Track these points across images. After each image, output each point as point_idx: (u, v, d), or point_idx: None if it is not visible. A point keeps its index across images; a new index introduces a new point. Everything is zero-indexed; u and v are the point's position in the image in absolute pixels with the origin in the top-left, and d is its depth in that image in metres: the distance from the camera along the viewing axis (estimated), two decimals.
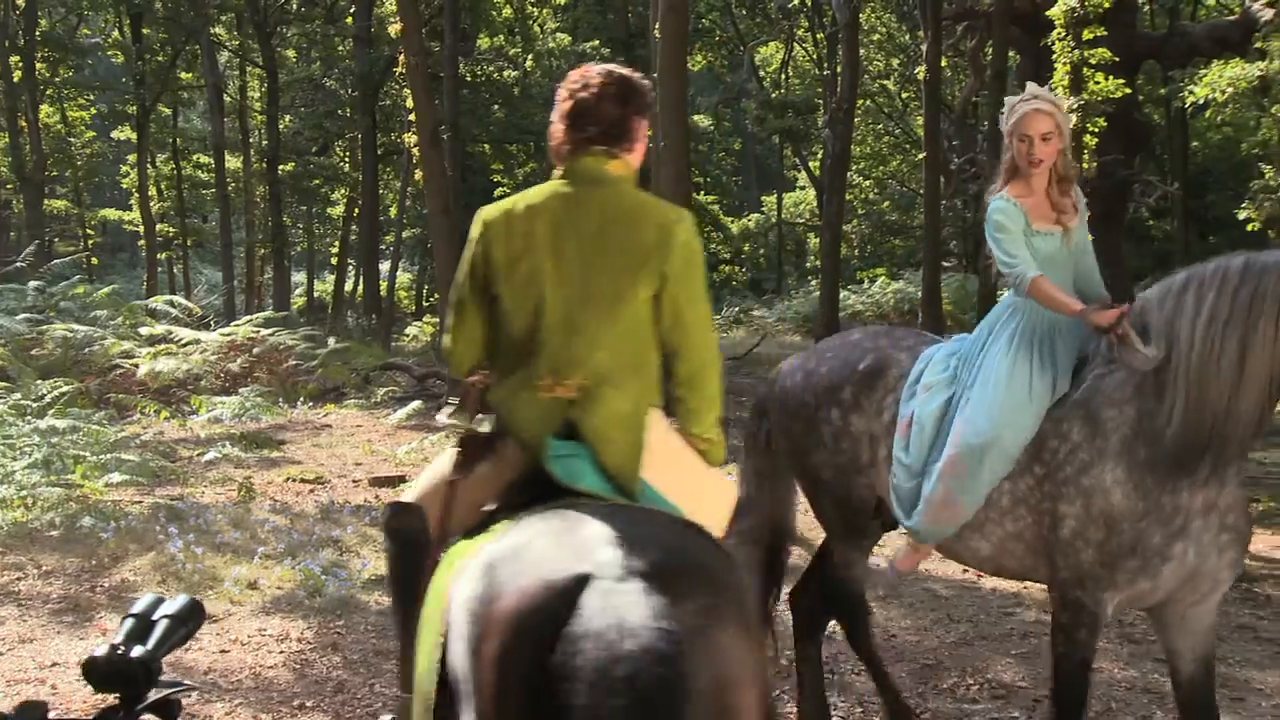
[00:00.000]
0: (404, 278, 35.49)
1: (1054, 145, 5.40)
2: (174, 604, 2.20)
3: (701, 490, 3.96)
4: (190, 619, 2.22)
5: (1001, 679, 7.52)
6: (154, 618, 2.18)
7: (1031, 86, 5.60)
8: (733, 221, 45.12)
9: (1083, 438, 5.10)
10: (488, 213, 4.01)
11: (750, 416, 6.89)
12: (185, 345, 17.35)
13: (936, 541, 5.77)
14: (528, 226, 3.90)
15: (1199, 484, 4.85)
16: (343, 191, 36.82)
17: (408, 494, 4.10)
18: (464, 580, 3.30)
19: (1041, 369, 5.25)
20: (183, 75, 34.57)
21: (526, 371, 3.88)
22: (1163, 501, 4.91)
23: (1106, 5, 19.52)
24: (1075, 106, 19.71)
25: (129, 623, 2.16)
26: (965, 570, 9.70)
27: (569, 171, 3.95)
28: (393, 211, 34.75)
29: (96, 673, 2.10)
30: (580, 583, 3.05)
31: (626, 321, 3.81)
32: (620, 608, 2.97)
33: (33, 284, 21.45)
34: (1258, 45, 20.62)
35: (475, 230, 4.04)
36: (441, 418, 4.23)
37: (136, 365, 16.73)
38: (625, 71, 4.09)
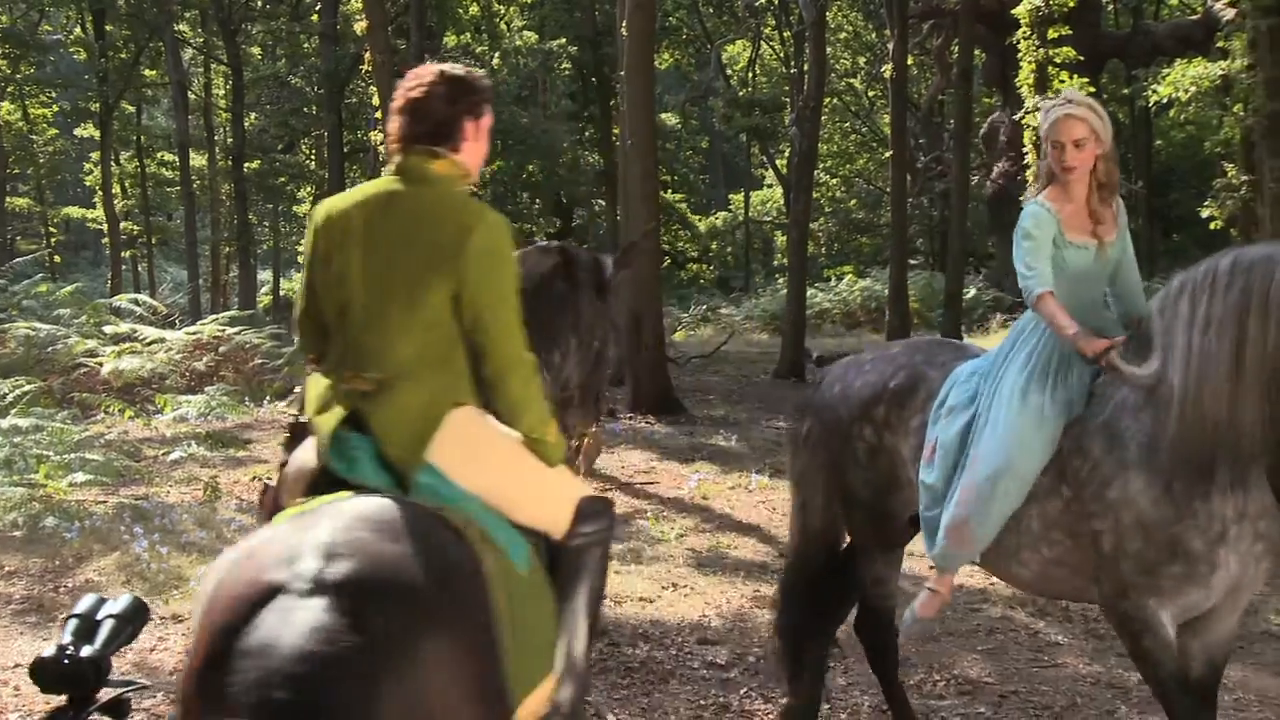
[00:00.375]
0: None
1: (1089, 151, 5.16)
2: (118, 604, 2.19)
3: (530, 487, 3.91)
4: (135, 618, 2.22)
5: (968, 675, 7.54)
6: (98, 617, 2.16)
7: (1067, 90, 5.45)
8: (700, 220, 45.21)
9: (1103, 452, 4.92)
10: (321, 206, 4.04)
11: (794, 416, 6.71)
12: (150, 344, 17.28)
13: (956, 569, 5.69)
14: (345, 222, 3.91)
15: (1225, 491, 4.66)
16: (309, 189, 36.77)
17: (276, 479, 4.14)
18: (209, 577, 3.34)
19: (1054, 390, 5.08)
20: (146, 72, 34.46)
21: (332, 362, 3.92)
22: (1195, 507, 4.72)
23: (1071, 4, 19.68)
24: (1040, 106, 19.90)
25: (73, 623, 2.15)
26: (931, 566, 9.76)
27: (397, 169, 3.95)
28: None
29: (45, 673, 2.08)
30: (268, 595, 3.09)
31: (427, 318, 3.77)
32: (286, 625, 3.02)
33: None
34: (1220, 44, 20.78)
35: (310, 222, 4.06)
36: (281, 404, 4.25)
37: (100, 364, 16.67)
38: (460, 71, 4.06)
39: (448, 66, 4.12)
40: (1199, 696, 5.06)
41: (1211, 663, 5.11)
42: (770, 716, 6.94)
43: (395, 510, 3.51)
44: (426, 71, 4.03)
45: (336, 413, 3.81)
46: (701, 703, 7.09)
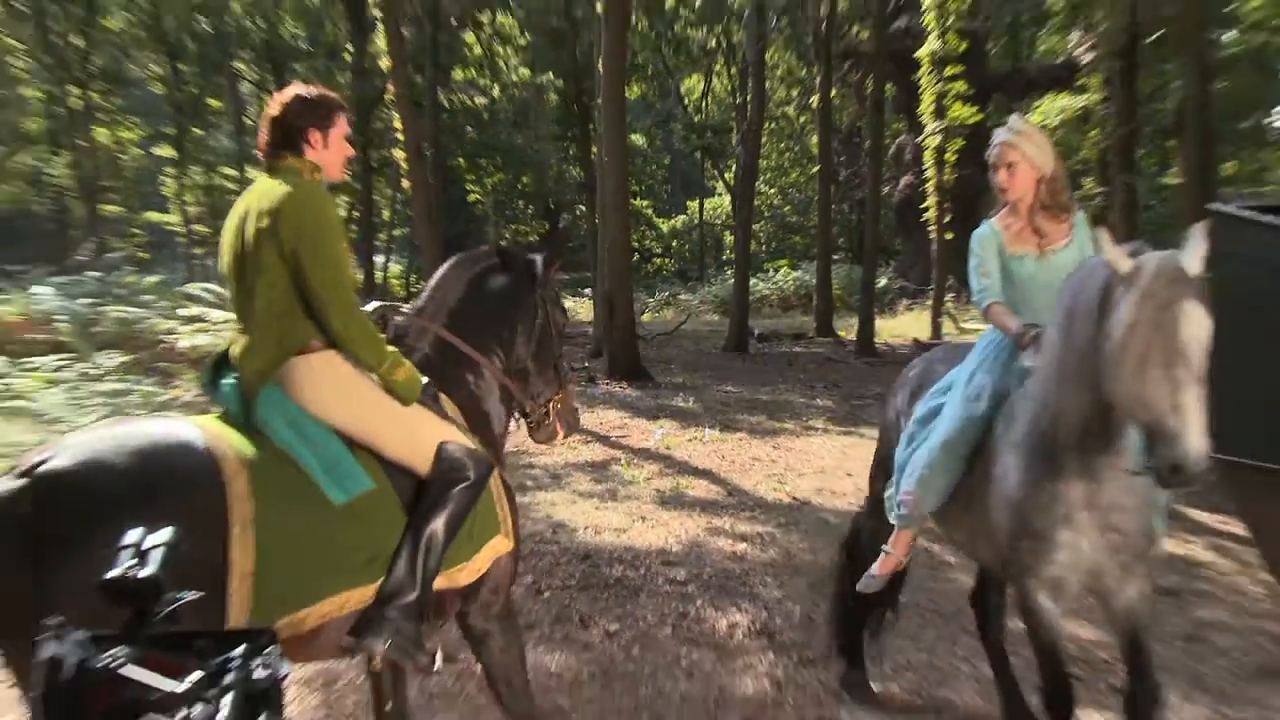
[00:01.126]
0: (395, 268, 35.21)
1: (1020, 176, 4.71)
2: (161, 534, 2.20)
3: (387, 422, 3.91)
4: (177, 545, 2.23)
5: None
6: (144, 546, 2.17)
7: (1012, 119, 5.00)
8: (663, 222, 45.08)
9: (1001, 430, 4.59)
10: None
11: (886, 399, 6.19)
12: (217, 324, 17.17)
13: (912, 532, 5.29)
14: (231, 212, 4.02)
15: (1071, 478, 4.20)
16: (343, 198, 36.52)
17: None
18: None
19: (997, 378, 4.71)
20: (211, 102, 34.14)
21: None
22: (1044, 488, 4.28)
23: (962, 49, 19.80)
24: (938, 130, 19.95)
25: (125, 552, 2.15)
26: (850, 503, 9.83)
27: (265, 168, 4.00)
28: (385, 215, 34.49)
29: (113, 591, 2.09)
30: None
31: (268, 278, 3.81)
32: None
33: (92, 274, 21.30)
34: (1080, 82, 20.91)
35: None
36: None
37: (177, 340, 16.58)
38: (307, 92, 4.05)
39: (299, 88, 4.10)
40: (1136, 670, 4.49)
41: (1129, 638, 4.52)
42: (720, 622, 7.01)
43: (145, 431, 3.61)
44: (286, 93, 4.05)
45: (219, 351, 4.07)
46: (665, 611, 7.12)
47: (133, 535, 2.15)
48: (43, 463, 3.31)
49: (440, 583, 3.93)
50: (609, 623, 6.96)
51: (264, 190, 3.88)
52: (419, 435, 3.97)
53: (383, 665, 4.31)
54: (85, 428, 3.94)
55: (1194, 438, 3.63)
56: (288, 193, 3.80)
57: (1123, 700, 4.53)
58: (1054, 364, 4.20)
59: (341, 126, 4.07)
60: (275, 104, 4.02)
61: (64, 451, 3.37)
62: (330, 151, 4.03)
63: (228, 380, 3.91)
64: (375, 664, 4.10)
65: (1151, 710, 4.42)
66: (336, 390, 3.86)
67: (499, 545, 4.15)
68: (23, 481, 3.26)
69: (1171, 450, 3.63)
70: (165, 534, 2.17)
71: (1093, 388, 3.93)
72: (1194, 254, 3.91)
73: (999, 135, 4.77)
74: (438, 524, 3.85)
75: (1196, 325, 3.74)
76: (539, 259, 4.70)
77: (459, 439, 4.06)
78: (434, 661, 4.00)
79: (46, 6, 31.70)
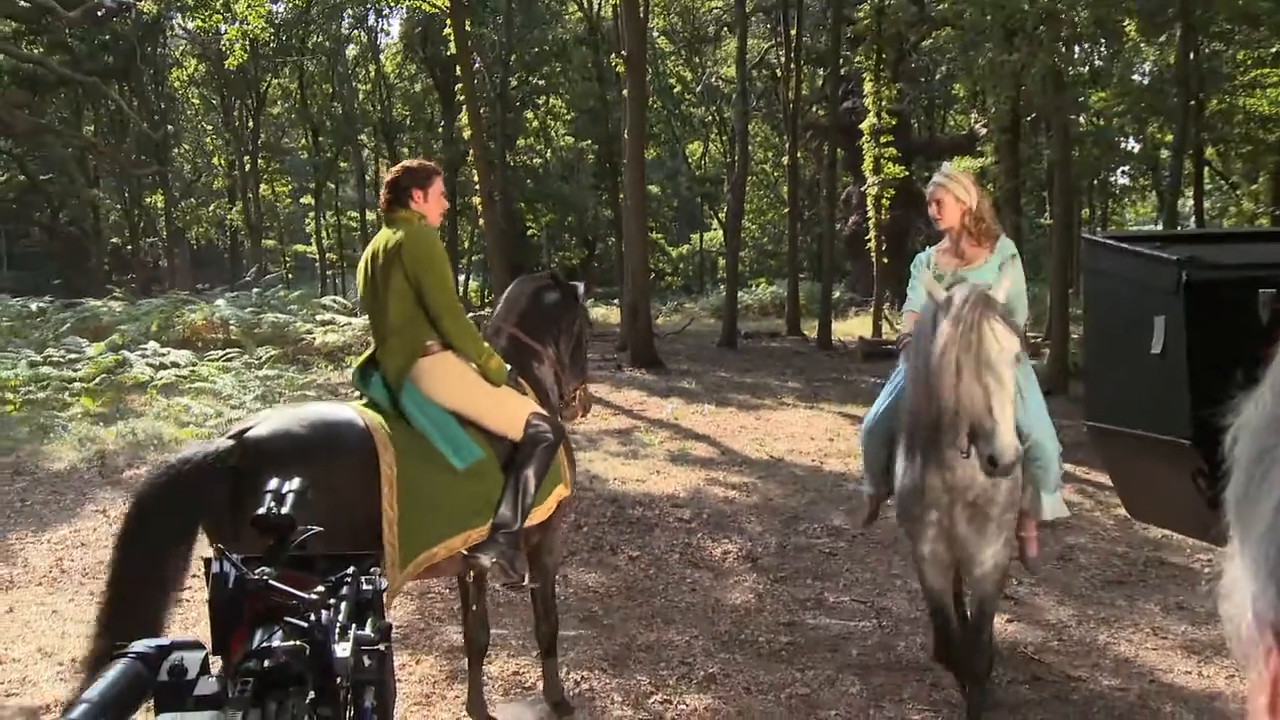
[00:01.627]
0: (473, 285, 35.23)
1: (948, 209, 4.35)
2: (294, 482, 2.20)
3: (488, 401, 3.96)
4: (306, 491, 2.23)
5: (831, 524, 7.53)
6: (283, 491, 2.17)
7: (944, 166, 4.78)
8: (673, 249, 44.93)
9: (895, 425, 4.23)
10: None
11: None
12: (343, 325, 17.17)
13: (870, 499, 4.80)
14: (363, 255, 4.15)
15: (932, 466, 3.85)
16: (438, 232, 36.63)
17: None
18: None
19: (901, 377, 4.31)
20: (341, 164, 34.13)
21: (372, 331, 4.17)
22: (914, 473, 3.95)
23: (894, 123, 19.79)
24: (876, 183, 19.82)
25: (268, 495, 2.14)
26: (814, 460, 9.77)
27: (385, 220, 4.07)
28: (465, 245, 34.46)
29: (262, 525, 2.10)
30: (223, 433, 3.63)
31: (398, 294, 3.90)
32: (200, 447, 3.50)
33: (254, 290, 21.47)
34: (979, 148, 20.91)
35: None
36: None
37: (314, 337, 16.59)
38: (412, 163, 4.15)
39: (409, 161, 4.22)
40: (970, 634, 4.25)
41: (980, 605, 4.21)
42: (716, 550, 6.96)
43: (319, 412, 3.83)
44: (398, 165, 4.20)
45: (364, 356, 4.09)
46: (673, 542, 7.10)
47: (274, 483, 2.14)
48: (247, 430, 3.50)
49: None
50: (631, 550, 6.94)
51: (387, 236, 3.99)
52: (512, 410, 4.01)
53: (474, 578, 4.34)
54: (275, 407, 4.06)
55: (1005, 435, 3.47)
56: (405, 234, 3.92)
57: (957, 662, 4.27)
58: (909, 374, 3.99)
59: (438, 186, 4.11)
60: (390, 173, 4.15)
61: (262, 423, 3.55)
62: (430, 204, 4.06)
63: (374, 376, 4.00)
64: (482, 571, 4.11)
65: (974, 680, 4.15)
66: (452, 381, 3.94)
67: (561, 492, 4.21)
68: (232, 442, 3.43)
69: (988, 445, 3.48)
70: (296, 483, 2.15)
71: (932, 394, 3.68)
72: (1001, 285, 3.75)
73: (934, 179, 4.50)
74: (529, 474, 3.93)
75: (999, 341, 3.55)
76: (581, 285, 4.83)
77: (539, 410, 4.14)
78: (524, 577, 4.01)
79: (229, 101, 32.38)
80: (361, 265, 4.11)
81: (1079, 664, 5.01)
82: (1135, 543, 7.00)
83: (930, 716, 4.48)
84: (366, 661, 1.88)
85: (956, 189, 4.41)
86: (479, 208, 20.34)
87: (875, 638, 5.41)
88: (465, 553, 3.83)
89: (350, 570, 2.08)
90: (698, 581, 6.35)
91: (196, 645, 1.80)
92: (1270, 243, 5.79)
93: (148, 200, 32.32)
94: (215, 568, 1.96)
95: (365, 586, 2.06)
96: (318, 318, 18.00)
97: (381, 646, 1.92)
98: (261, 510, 2.07)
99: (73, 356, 13.27)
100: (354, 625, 1.95)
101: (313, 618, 1.82)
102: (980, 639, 4.18)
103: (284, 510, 2.08)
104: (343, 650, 1.80)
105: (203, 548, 3.15)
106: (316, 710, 1.74)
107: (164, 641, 1.79)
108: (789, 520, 7.63)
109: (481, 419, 3.93)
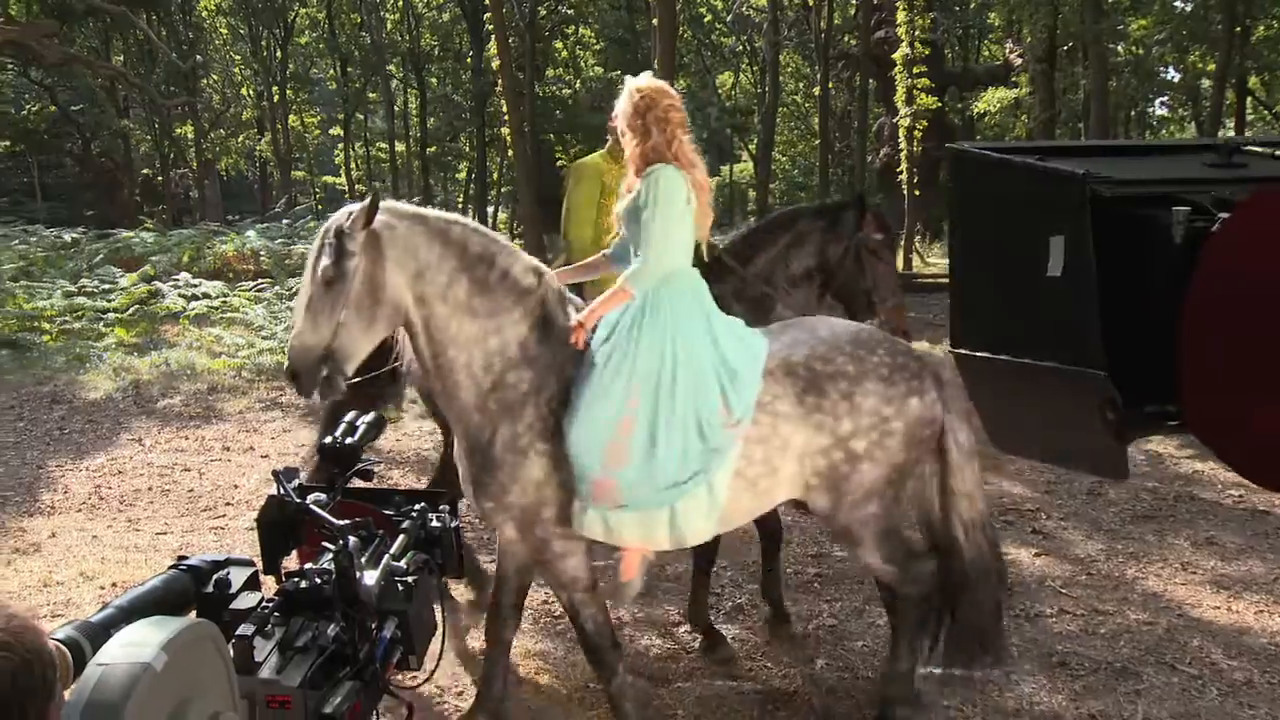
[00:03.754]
0: (502, 216, 35.18)
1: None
2: (367, 417, 2.25)
3: None
4: (378, 426, 2.28)
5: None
6: (356, 424, 2.22)
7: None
8: None
9: None
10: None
11: None
12: None
13: None
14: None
15: None
16: (465, 164, 36.32)
17: None
18: None
19: None
20: (370, 95, 33.91)
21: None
22: None
23: (927, 53, 19.30)
24: (908, 114, 19.46)
25: (342, 425, 2.21)
26: None
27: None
28: (495, 176, 34.31)
29: (326, 452, 2.15)
30: None
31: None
32: None
33: (284, 221, 21.52)
34: (1014, 79, 20.39)
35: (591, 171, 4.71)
36: None
37: None
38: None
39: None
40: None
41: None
42: None
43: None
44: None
45: None
46: None
47: (350, 415, 2.22)
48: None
49: None
50: None
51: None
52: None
53: None
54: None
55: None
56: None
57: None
58: None
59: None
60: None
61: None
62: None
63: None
64: None
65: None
66: None
67: None
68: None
69: None
70: (371, 416, 2.21)
71: None
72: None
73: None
74: None
75: None
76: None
77: None
78: None
79: (257, 31, 32.25)
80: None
81: (1107, 598, 4.98)
82: (1165, 478, 6.92)
83: None
84: (396, 590, 1.90)
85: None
86: (508, 139, 20.13)
87: None
88: None
89: (417, 508, 2.15)
90: None
91: (249, 563, 1.88)
92: (1162, 156, 4.76)
93: (177, 131, 32.29)
94: (271, 492, 2.04)
95: (434, 523, 2.13)
96: None
97: (412, 579, 1.93)
98: (327, 439, 2.14)
99: (106, 287, 13.35)
100: (409, 556, 2.01)
101: (339, 544, 1.84)
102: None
103: (351, 440, 2.14)
104: (370, 579, 1.82)
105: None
106: (340, 633, 1.78)
107: (219, 557, 1.87)
108: None
109: None
